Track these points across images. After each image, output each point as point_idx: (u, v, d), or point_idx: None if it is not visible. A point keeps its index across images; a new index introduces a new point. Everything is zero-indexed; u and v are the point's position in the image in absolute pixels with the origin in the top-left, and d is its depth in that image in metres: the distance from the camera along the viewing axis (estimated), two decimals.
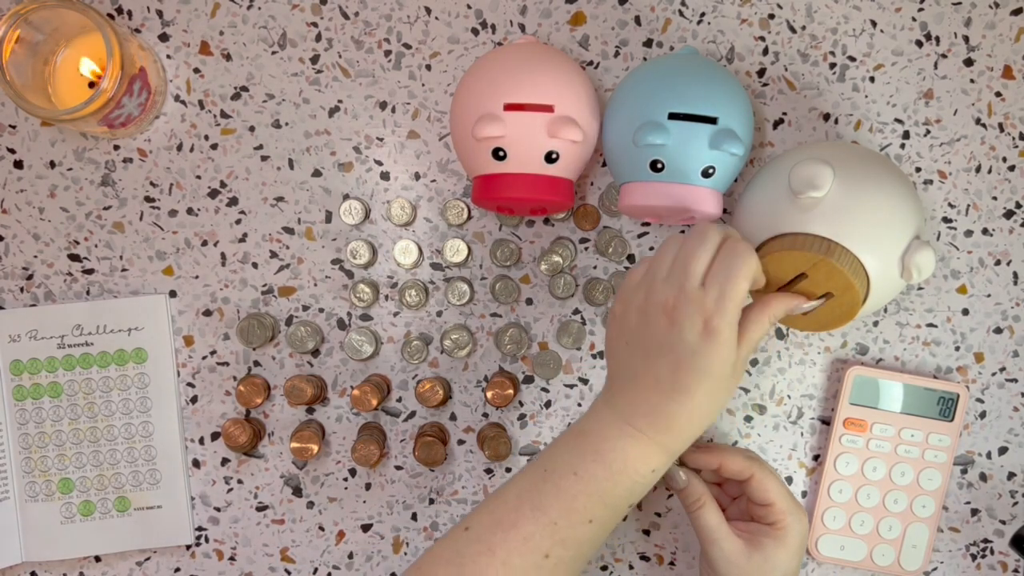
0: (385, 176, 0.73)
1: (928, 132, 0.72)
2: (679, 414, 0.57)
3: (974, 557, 0.74)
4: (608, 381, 0.61)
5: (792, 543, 0.63)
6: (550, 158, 0.65)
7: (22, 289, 0.73)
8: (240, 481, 0.74)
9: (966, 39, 0.71)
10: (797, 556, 0.64)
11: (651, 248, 0.73)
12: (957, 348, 0.73)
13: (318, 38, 0.72)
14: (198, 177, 0.73)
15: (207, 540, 0.74)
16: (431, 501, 0.74)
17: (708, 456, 0.65)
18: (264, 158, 0.73)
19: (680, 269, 0.58)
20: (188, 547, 0.74)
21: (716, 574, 0.63)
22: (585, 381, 0.73)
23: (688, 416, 0.57)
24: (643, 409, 0.58)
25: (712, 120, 0.63)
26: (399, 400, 0.74)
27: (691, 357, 0.56)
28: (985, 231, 0.72)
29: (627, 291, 0.60)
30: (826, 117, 0.72)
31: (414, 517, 0.74)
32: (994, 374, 0.73)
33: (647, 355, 0.58)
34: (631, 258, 0.73)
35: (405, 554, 0.74)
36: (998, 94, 0.71)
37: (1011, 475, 0.73)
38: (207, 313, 0.73)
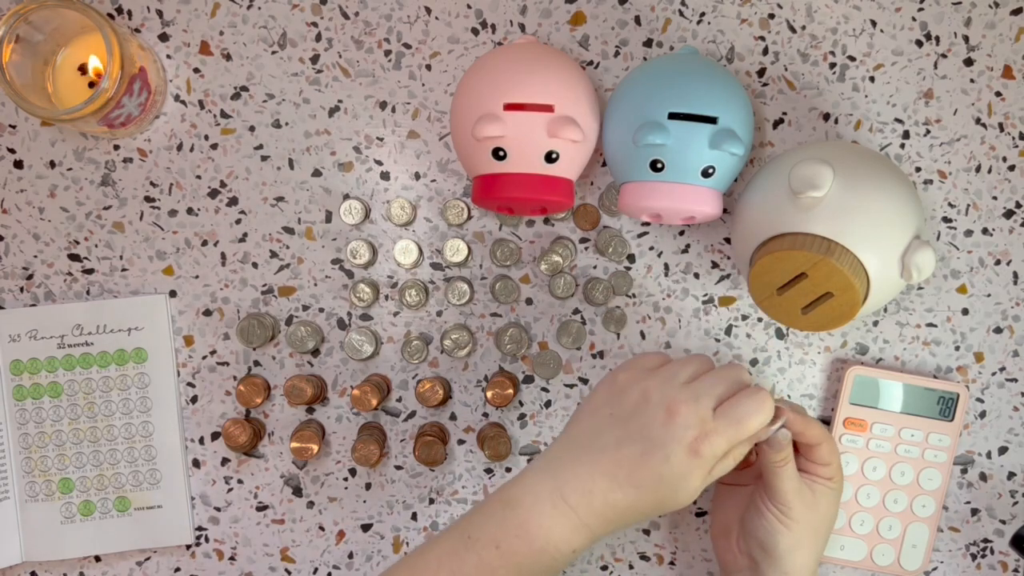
0: (385, 176, 0.73)
1: (928, 132, 0.72)
2: (618, 505, 0.58)
3: (974, 557, 0.74)
4: (558, 448, 0.61)
5: (837, 496, 0.65)
6: (550, 158, 0.65)
7: (22, 289, 0.73)
8: (240, 481, 0.74)
9: (966, 39, 0.71)
10: (837, 507, 0.66)
11: (651, 248, 0.73)
12: (957, 348, 0.73)
13: (318, 38, 0.72)
14: (198, 177, 0.73)
15: (207, 540, 0.74)
16: (431, 501, 0.74)
17: (801, 423, 0.63)
18: (264, 158, 0.73)
19: (703, 386, 0.59)
20: (188, 547, 0.74)
21: (783, 507, 0.63)
22: (585, 381, 0.73)
23: (626, 510, 0.58)
24: (586, 487, 0.58)
25: (712, 120, 0.63)
26: (399, 400, 0.74)
27: (663, 462, 0.57)
28: (985, 231, 0.72)
29: (639, 368, 0.61)
30: (826, 117, 0.72)
31: (414, 517, 0.74)
32: (994, 374, 0.73)
33: (625, 435, 0.58)
34: (631, 258, 0.73)
35: (405, 554, 0.74)
36: (998, 94, 0.71)
37: (1011, 475, 0.73)
38: (207, 313, 0.73)
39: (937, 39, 0.71)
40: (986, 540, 0.74)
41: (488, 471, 0.74)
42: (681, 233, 0.73)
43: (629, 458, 0.58)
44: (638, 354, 0.62)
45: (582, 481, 0.58)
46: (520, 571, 0.58)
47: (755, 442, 0.61)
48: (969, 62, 0.71)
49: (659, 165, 0.64)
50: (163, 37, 0.72)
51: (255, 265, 0.73)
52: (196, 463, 0.74)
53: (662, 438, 0.57)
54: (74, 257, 0.73)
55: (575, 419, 0.62)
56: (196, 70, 0.72)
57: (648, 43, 0.72)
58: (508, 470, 0.74)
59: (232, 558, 0.74)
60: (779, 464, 0.63)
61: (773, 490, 0.63)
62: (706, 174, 0.64)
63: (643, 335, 0.73)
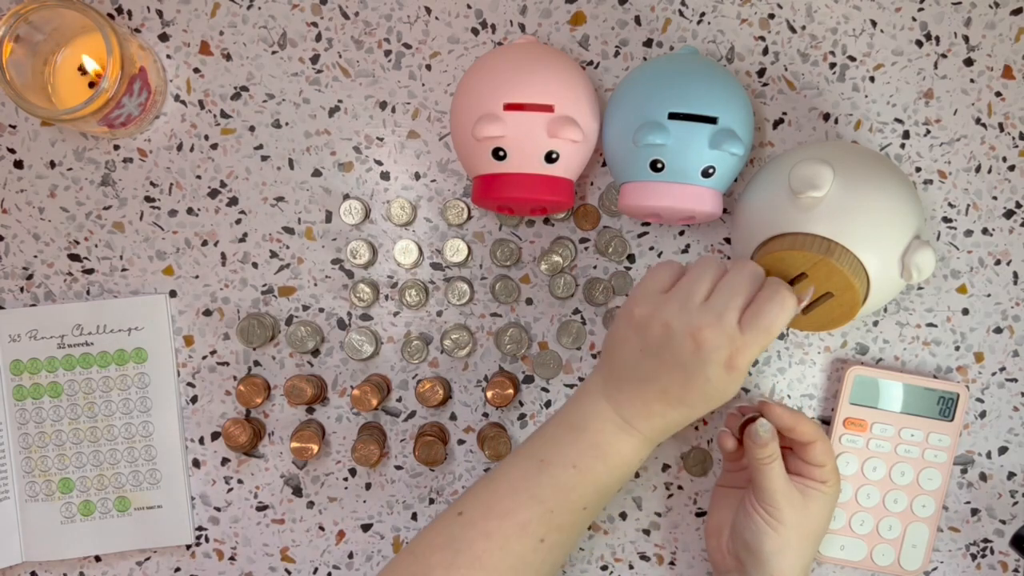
0: (385, 176, 0.73)
1: (928, 132, 0.72)
2: (676, 421, 0.60)
3: (974, 557, 0.74)
4: (606, 374, 0.61)
5: (832, 501, 0.66)
6: (550, 158, 0.65)
7: (22, 289, 0.73)
8: (240, 481, 0.74)
9: (966, 39, 0.71)
10: (831, 513, 0.66)
11: (651, 248, 0.73)
12: (957, 348, 0.73)
13: (318, 38, 0.72)
14: (198, 177, 0.73)
15: (207, 540, 0.74)
16: (431, 501, 0.74)
17: (790, 418, 0.64)
18: (264, 158, 0.73)
19: (721, 301, 0.58)
20: (188, 547, 0.74)
21: (769, 508, 0.64)
22: None
23: (683, 420, 0.61)
24: (644, 412, 0.60)
25: (712, 120, 0.63)
26: (399, 400, 0.74)
27: (704, 383, 0.58)
28: (985, 231, 0.72)
29: (652, 298, 0.60)
30: (826, 117, 0.72)
31: (414, 517, 0.74)
32: (994, 374, 0.73)
33: (661, 366, 0.59)
34: (631, 258, 0.73)
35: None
36: (998, 94, 0.71)
37: (1011, 475, 0.73)
38: (207, 313, 0.73)
39: (937, 39, 0.71)
40: (986, 540, 0.74)
41: (488, 471, 0.74)
42: (681, 233, 0.73)
43: (674, 384, 0.58)
44: (646, 274, 0.61)
45: (639, 407, 0.60)
46: (597, 487, 0.61)
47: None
48: (969, 62, 0.71)
49: (659, 165, 0.64)
50: (163, 37, 0.72)
51: (255, 265, 0.73)
52: (196, 463, 0.74)
53: (697, 364, 0.57)
54: (74, 257, 0.73)
55: (608, 351, 0.62)
56: (196, 70, 0.72)
57: (648, 43, 0.72)
58: None
59: (232, 558, 0.74)
60: (764, 462, 0.63)
61: (760, 489, 0.64)
62: (706, 174, 0.64)
63: None
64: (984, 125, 0.72)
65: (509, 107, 0.64)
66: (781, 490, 0.63)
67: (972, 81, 0.71)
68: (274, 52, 0.72)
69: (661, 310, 0.59)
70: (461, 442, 0.74)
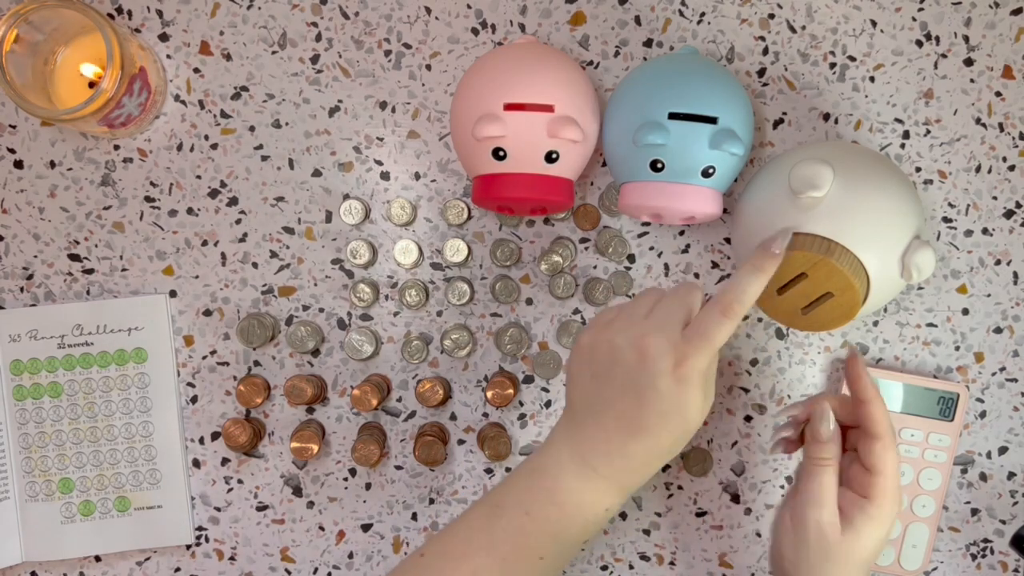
0: (385, 176, 0.73)
1: (928, 132, 0.72)
2: (638, 453, 0.57)
3: (974, 557, 0.74)
4: (568, 411, 0.60)
5: (883, 526, 0.59)
6: (550, 158, 0.65)
7: (22, 289, 0.73)
8: (240, 481, 0.74)
9: (966, 39, 0.71)
10: (882, 542, 0.60)
11: (651, 248, 0.73)
12: (957, 348, 0.73)
13: (318, 38, 0.72)
14: (198, 177, 0.73)
15: (207, 540, 0.74)
16: (431, 501, 0.74)
17: (865, 388, 0.60)
18: (264, 158, 0.73)
19: (662, 314, 0.57)
20: (188, 547, 0.74)
21: (801, 542, 0.60)
22: None
23: (647, 455, 0.57)
24: (603, 448, 0.57)
25: (712, 120, 0.63)
26: (399, 400, 0.74)
27: (656, 398, 0.56)
28: (985, 231, 0.72)
29: (598, 325, 0.59)
30: (826, 117, 0.72)
31: (414, 517, 0.74)
32: (994, 374, 0.73)
33: (612, 390, 0.57)
34: (631, 258, 0.73)
35: (405, 554, 0.74)
36: (998, 94, 0.71)
37: (1011, 475, 0.73)
38: (207, 313, 0.73)
39: (937, 39, 0.71)
40: (986, 540, 0.74)
41: (488, 471, 0.74)
42: (681, 233, 0.73)
43: (628, 407, 0.56)
44: (595, 315, 0.62)
45: (597, 443, 0.57)
46: (555, 536, 0.58)
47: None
48: (969, 62, 0.71)
49: (659, 165, 0.64)
50: (163, 37, 0.72)
51: (255, 265, 0.73)
52: (196, 463, 0.74)
53: (644, 377, 0.56)
54: (74, 257, 0.73)
55: (567, 392, 0.61)
56: (196, 70, 0.72)
57: (648, 43, 0.72)
58: (508, 470, 0.74)
59: (232, 558, 0.74)
60: (819, 463, 0.60)
61: (798, 512, 0.60)
62: (706, 174, 0.64)
63: None
64: (984, 125, 0.72)
65: (509, 107, 0.64)
66: (829, 502, 0.59)
67: (972, 81, 0.71)
68: (274, 52, 0.72)
69: (605, 332, 0.58)
70: (461, 442, 0.74)
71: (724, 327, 0.56)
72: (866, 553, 0.59)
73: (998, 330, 0.73)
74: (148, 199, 0.73)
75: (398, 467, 0.74)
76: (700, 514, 0.74)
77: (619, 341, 0.57)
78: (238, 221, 0.73)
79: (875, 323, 0.73)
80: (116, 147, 0.72)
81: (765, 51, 0.72)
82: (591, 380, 0.58)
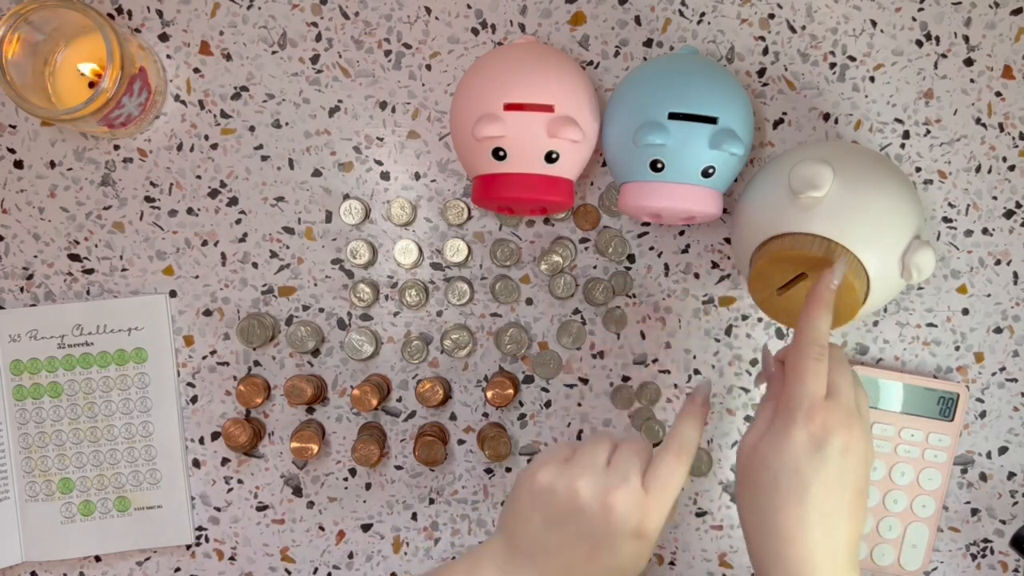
0: (385, 176, 0.73)
1: (928, 132, 0.72)
2: None
3: (974, 557, 0.74)
4: (504, 542, 0.58)
5: (791, 439, 0.55)
6: (550, 158, 0.65)
7: (22, 289, 0.73)
8: (240, 481, 0.74)
9: (966, 39, 0.71)
10: (804, 446, 0.55)
11: (651, 248, 0.73)
12: (957, 348, 0.73)
13: (318, 38, 0.72)
14: (198, 177, 0.73)
15: (207, 540, 0.74)
16: (431, 501, 0.74)
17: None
18: (264, 158, 0.73)
19: (623, 464, 0.57)
20: (188, 547, 0.74)
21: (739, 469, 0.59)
22: (585, 381, 0.73)
23: None
24: None
25: (712, 120, 0.63)
26: (399, 400, 0.74)
27: (611, 555, 0.55)
28: (985, 231, 0.72)
29: (555, 462, 0.58)
30: (826, 117, 0.72)
31: (414, 517, 0.74)
32: (994, 374, 0.73)
33: (566, 539, 0.56)
34: (631, 258, 0.73)
35: (405, 554, 0.74)
36: (998, 94, 0.71)
37: (1011, 475, 0.73)
38: (207, 313, 0.73)
39: (937, 39, 0.71)
40: (986, 540, 0.74)
41: (488, 471, 0.74)
42: (681, 233, 0.73)
43: (578, 559, 0.56)
44: (545, 448, 0.63)
45: None
46: None
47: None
48: (969, 62, 0.71)
49: (659, 165, 0.64)
50: (163, 37, 0.72)
51: (255, 265, 0.73)
52: (196, 463, 0.74)
53: (606, 533, 0.55)
54: (74, 257, 0.73)
55: (508, 520, 0.59)
56: (196, 70, 0.72)
57: (648, 43, 0.72)
58: (508, 470, 0.74)
59: (232, 558, 0.74)
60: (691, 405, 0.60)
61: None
62: (706, 174, 0.64)
63: (643, 335, 0.73)
64: (984, 125, 0.72)
65: (509, 107, 0.64)
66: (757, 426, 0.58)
67: (972, 81, 0.71)
68: (274, 52, 0.72)
69: (565, 473, 0.57)
70: (461, 442, 0.74)
71: (679, 473, 0.56)
72: (792, 462, 0.55)
73: (998, 330, 0.73)
74: (148, 199, 0.73)
75: (398, 467, 0.74)
76: (700, 514, 0.74)
77: (584, 492, 0.56)
78: (238, 221, 0.73)
79: (875, 323, 0.73)
80: (116, 147, 0.72)
81: (765, 51, 0.72)
82: (542, 523, 0.57)
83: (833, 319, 0.62)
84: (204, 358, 0.73)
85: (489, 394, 0.72)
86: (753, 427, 0.58)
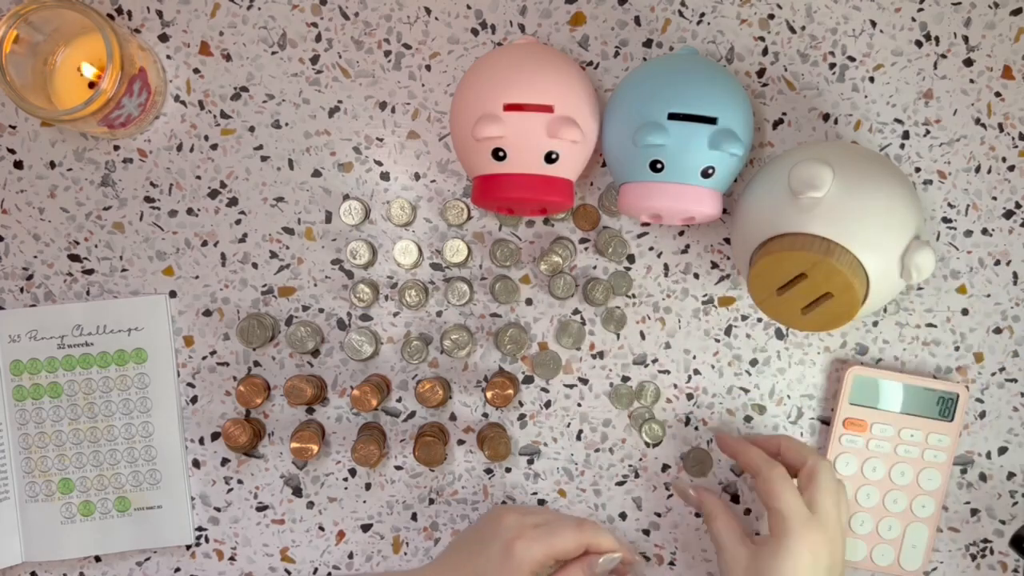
0: (385, 176, 0.73)
1: (928, 132, 0.72)
2: None
3: (974, 557, 0.74)
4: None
5: (792, 555, 0.60)
6: (550, 158, 0.65)
7: (22, 289, 0.73)
8: (240, 481, 0.74)
9: (966, 39, 0.71)
10: (807, 571, 0.60)
11: (651, 248, 0.73)
12: (957, 348, 0.73)
13: (318, 38, 0.72)
14: (198, 177, 0.73)
15: (207, 540, 0.74)
16: (431, 501, 0.74)
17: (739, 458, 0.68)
18: (264, 158, 0.73)
19: (537, 515, 0.66)
20: (188, 547, 0.74)
21: None
22: (585, 381, 0.73)
23: None
24: None
25: (712, 120, 0.63)
26: (399, 400, 0.74)
27: (480, 555, 0.64)
28: (985, 231, 0.72)
29: (519, 514, 0.67)
30: (826, 117, 0.72)
31: (414, 517, 0.74)
32: (994, 374, 0.73)
33: (465, 544, 0.67)
34: (631, 258, 0.73)
35: (405, 554, 0.74)
36: (998, 94, 0.72)
37: (1011, 475, 0.73)
38: (207, 313, 0.73)
39: (937, 39, 0.71)
40: (986, 540, 0.74)
41: (488, 471, 0.74)
42: (681, 233, 0.73)
43: (461, 560, 0.66)
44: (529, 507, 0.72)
45: None
46: None
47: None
48: (969, 62, 0.71)
49: (659, 165, 0.64)
50: (163, 37, 0.72)
51: (255, 265, 0.73)
52: (196, 463, 0.74)
53: (486, 537, 0.65)
54: (74, 257, 0.73)
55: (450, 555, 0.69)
56: (196, 70, 0.72)
57: (648, 43, 0.72)
58: (508, 470, 0.74)
59: (232, 558, 0.74)
60: (707, 519, 0.66)
61: (717, 555, 0.66)
62: (706, 174, 0.64)
63: (643, 335, 0.73)
64: (984, 125, 0.72)
65: (509, 107, 0.64)
66: (726, 546, 0.65)
67: (972, 81, 0.71)
68: (274, 52, 0.72)
69: (504, 532, 0.66)
70: (461, 442, 0.74)
71: (568, 537, 0.64)
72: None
73: (998, 330, 0.73)
74: (148, 199, 0.73)
75: (398, 467, 0.74)
76: (700, 514, 0.74)
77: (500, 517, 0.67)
78: (238, 221, 0.73)
79: (875, 323, 0.73)
80: (116, 147, 0.73)
81: (765, 51, 0.72)
82: (461, 537, 0.69)
83: (833, 320, 0.62)
84: (204, 358, 0.73)
85: (489, 394, 0.72)
86: (731, 546, 0.64)
